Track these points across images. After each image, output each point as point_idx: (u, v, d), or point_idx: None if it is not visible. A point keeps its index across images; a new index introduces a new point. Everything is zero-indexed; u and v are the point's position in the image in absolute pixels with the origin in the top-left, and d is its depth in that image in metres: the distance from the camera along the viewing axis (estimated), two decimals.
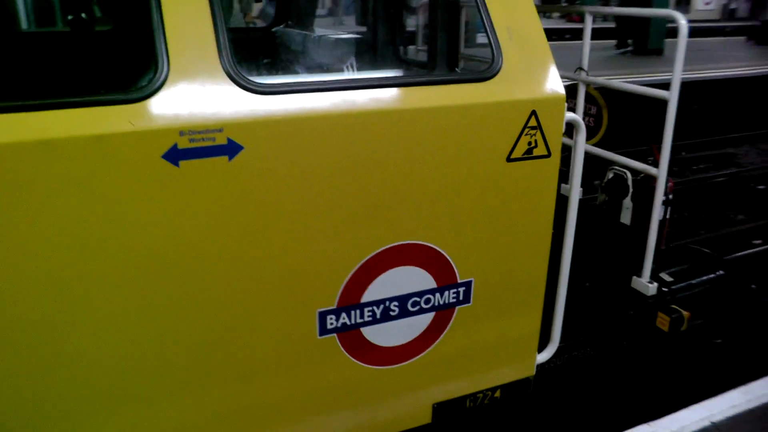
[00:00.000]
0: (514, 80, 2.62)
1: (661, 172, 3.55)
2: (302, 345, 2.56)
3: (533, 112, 2.63)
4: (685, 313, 3.73)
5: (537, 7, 4.42)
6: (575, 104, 4.12)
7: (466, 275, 2.78)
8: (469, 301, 2.83)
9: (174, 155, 2.10)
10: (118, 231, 2.09)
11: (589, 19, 3.92)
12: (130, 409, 2.33)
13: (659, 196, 3.59)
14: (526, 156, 2.69)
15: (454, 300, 2.80)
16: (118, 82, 2.22)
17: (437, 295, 2.75)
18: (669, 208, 3.88)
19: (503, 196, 2.72)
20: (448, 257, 2.71)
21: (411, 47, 4.09)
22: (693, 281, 4.11)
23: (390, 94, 2.44)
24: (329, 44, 3.55)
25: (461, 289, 2.79)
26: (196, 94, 2.13)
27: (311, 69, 3.52)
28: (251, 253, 2.34)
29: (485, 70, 2.59)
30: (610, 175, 4.18)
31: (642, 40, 16.46)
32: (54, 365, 2.16)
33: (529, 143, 2.67)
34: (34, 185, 1.95)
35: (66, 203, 2.00)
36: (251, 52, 3.73)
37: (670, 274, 4.19)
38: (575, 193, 3.03)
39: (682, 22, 3.31)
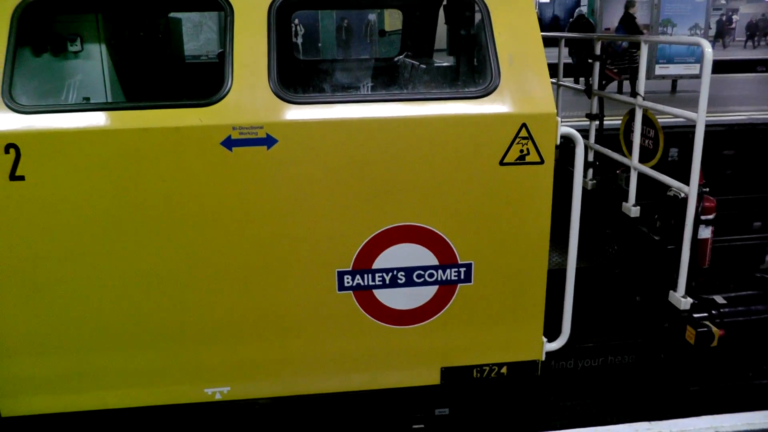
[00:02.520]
0: (508, 98, 3.17)
1: (692, 191, 3.77)
2: (324, 298, 3.33)
3: (524, 125, 3.16)
4: (717, 331, 3.85)
5: (600, 36, 4.83)
6: (634, 127, 4.41)
7: (466, 258, 3.35)
8: (470, 281, 3.39)
9: (228, 143, 3.02)
10: (188, 193, 3.06)
11: (644, 48, 4.23)
12: (182, 348, 3.29)
13: (690, 214, 3.80)
14: (518, 162, 3.21)
15: (456, 278, 3.38)
16: (206, 94, 3.19)
17: (439, 271, 3.36)
18: (711, 228, 4.03)
19: (499, 193, 3.26)
20: (448, 240, 3.31)
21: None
22: (744, 307, 4.17)
23: (398, 107, 3.16)
24: (357, 69, 4.34)
25: (462, 269, 3.37)
26: (247, 102, 3.04)
27: (345, 89, 4.33)
28: (284, 220, 3.18)
29: (483, 89, 3.19)
30: (670, 194, 4.39)
31: None
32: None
33: (521, 151, 3.20)
34: (136, 157, 2.98)
35: (155, 171, 3.01)
36: (304, 76, 4.72)
37: (726, 298, 4.28)
38: (577, 193, 3.42)
39: (708, 50, 3.58)
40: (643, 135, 4.47)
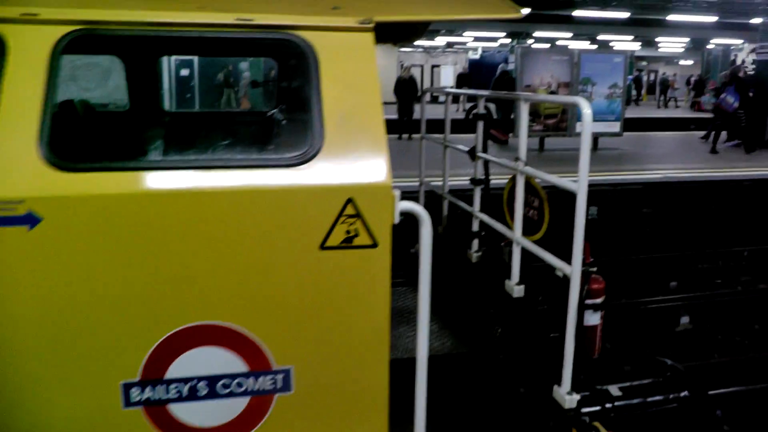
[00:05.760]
0: (332, 166, 2.58)
1: (575, 270, 3.24)
2: (108, 416, 2.60)
3: (350, 200, 2.57)
4: None
5: (484, 94, 4.34)
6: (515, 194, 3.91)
7: (283, 362, 2.69)
8: (289, 390, 2.72)
9: None
10: None
11: (524, 106, 3.78)
12: None
13: (574, 298, 3.26)
14: (345, 245, 2.61)
15: (272, 387, 2.71)
16: None
17: (250, 379, 2.69)
18: (600, 313, 3.51)
19: (322, 284, 2.64)
20: (259, 342, 2.65)
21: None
22: (637, 400, 3.64)
23: (195, 175, 2.52)
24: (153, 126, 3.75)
25: (278, 376, 2.70)
26: (8, 169, 2.36)
27: (140, 149, 3.71)
28: (50, 318, 2.46)
29: (301, 154, 2.59)
30: (560, 275, 3.87)
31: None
32: None
33: (348, 232, 2.60)
34: None
35: None
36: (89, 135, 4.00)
37: (622, 389, 3.74)
38: (425, 280, 2.80)
39: (587, 111, 3.13)
40: (527, 204, 3.97)
